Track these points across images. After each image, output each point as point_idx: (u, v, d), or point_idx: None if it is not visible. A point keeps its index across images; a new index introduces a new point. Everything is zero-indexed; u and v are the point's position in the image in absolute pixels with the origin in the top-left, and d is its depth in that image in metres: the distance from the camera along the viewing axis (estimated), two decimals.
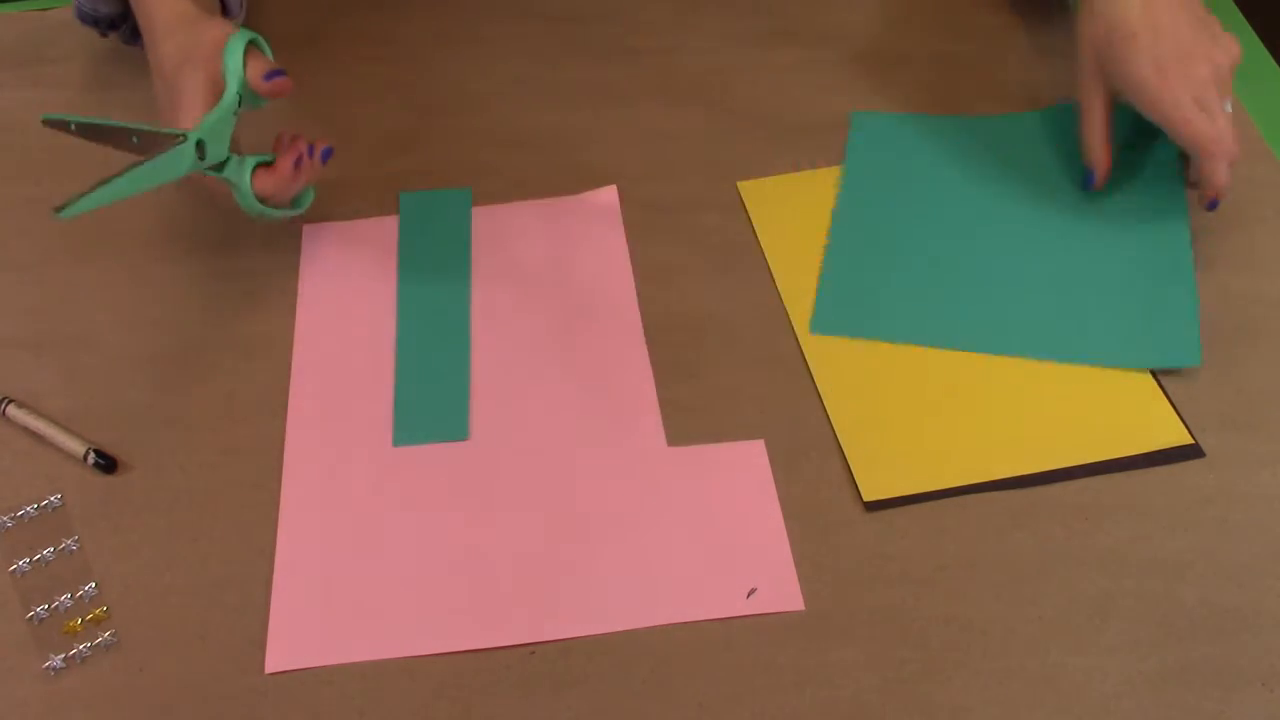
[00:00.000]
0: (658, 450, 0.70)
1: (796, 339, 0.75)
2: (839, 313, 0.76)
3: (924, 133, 0.86)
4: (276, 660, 0.62)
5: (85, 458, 0.70)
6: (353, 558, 0.66)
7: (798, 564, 0.66)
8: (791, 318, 0.76)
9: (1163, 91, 0.72)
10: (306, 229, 0.81)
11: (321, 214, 0.82)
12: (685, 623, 0.64)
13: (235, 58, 0.72)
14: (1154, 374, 0.73)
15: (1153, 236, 0.78)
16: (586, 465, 0.70)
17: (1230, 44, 0.74)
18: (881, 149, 0.85)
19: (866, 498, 0.68)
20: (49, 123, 0.72)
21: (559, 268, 0.79)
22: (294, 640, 0.63)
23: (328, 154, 0.75)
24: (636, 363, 0.74)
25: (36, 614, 0.65)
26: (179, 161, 0.69)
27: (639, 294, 0.78)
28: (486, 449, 0.70)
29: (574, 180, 0.84)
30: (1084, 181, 0.79)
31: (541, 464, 0.70)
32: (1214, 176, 0.73)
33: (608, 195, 0.83)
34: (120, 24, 0.80)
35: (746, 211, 0.82)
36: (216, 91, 0.71)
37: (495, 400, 0.73)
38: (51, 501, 0.69)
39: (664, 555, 0.66)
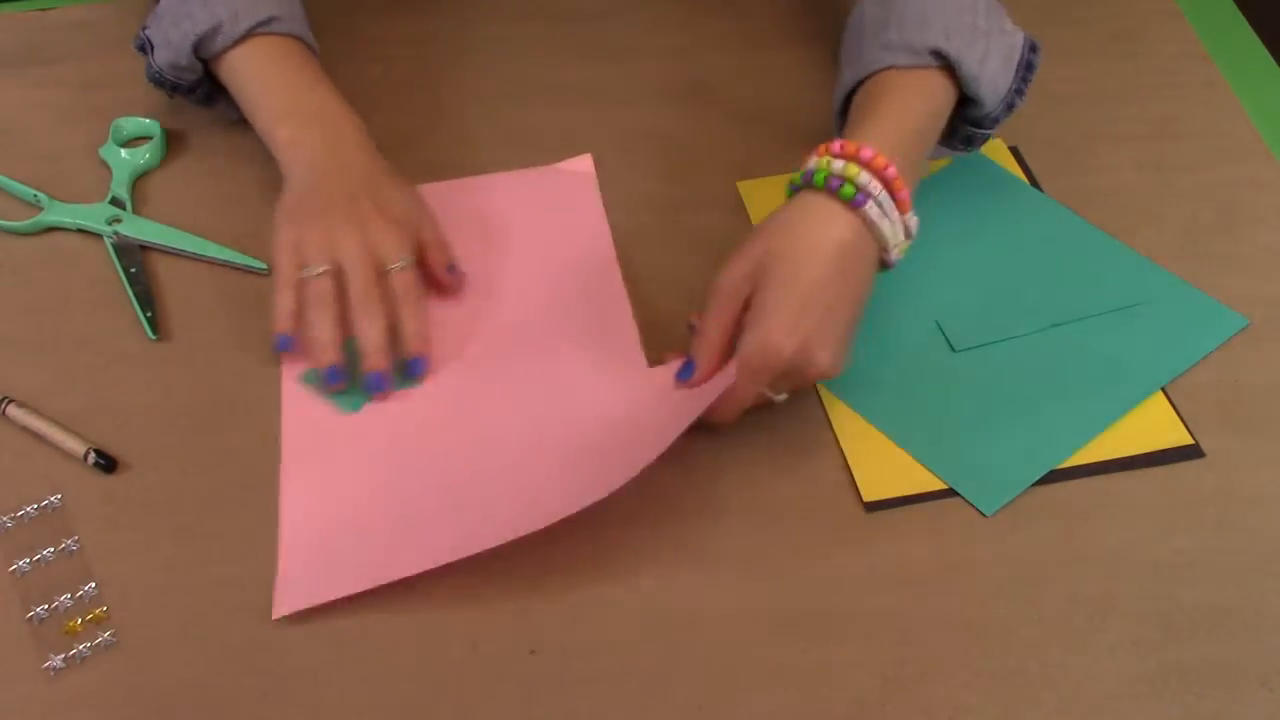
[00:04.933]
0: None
1: None
2: None
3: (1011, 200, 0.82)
4: (283, 604, 0.64)
5: (85, 458, 0.70)
6: (352, 499, 0.68)
7: (798, 563, 0.66)
8: None
9: (771, 334, 0.64)
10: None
11: None
12: (685, 613, 0.64)
13: None
14: None
15: (1106, 269, 0.78)
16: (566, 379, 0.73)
17: (829, 368, 0.66)
18: (953, 196, 0.82)
19: (866, 498, 0.68)
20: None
21: (539, 246, 0.80)
22: (299, 581, 0.65)
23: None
24: (613, 296, 0.77)
25: (36, 614, 0.65)
26: None
27: (637, 295, 0.78)
28: (467, 391, 0.73)
29: None
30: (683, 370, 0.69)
31: (523, 384, 0.72)
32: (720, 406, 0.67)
33: (583, 164, 0.84)
34: (197, 88, 0.82)
35: (747, 212, 0.82)
36: None
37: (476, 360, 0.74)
38: (51, 501, 0.69)
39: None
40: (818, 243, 0.65)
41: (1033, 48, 0.76)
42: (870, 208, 0.66)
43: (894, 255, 0.69)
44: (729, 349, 0.67)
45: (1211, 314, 0.76)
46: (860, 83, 0.75)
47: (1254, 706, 0.61)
